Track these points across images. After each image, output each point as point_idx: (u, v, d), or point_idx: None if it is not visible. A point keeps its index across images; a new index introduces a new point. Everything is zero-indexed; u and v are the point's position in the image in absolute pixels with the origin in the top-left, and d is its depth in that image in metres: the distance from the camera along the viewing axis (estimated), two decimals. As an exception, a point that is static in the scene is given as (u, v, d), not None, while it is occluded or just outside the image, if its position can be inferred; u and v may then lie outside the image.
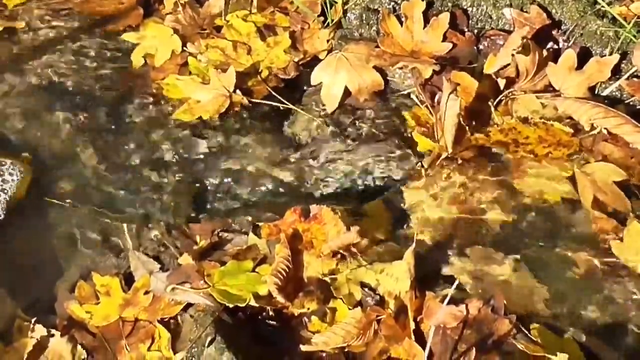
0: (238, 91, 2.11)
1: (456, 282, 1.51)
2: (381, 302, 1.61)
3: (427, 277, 1.65)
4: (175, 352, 1.62)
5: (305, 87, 2.19)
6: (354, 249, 1.68)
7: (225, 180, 1.99)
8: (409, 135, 1.99)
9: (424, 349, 1.48)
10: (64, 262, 1.84)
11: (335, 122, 2.07)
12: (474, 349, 1.44)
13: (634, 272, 1.65)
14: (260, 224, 1.77)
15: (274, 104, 2.12)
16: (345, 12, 2.24)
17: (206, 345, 1.53)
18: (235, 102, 2.12)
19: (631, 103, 1.99)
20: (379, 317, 1.55)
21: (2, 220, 1.88)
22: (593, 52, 2.03)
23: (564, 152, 1.88)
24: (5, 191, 1.87)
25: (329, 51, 2.22)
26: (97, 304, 1.73)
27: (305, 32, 2.28)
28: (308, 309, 1.61)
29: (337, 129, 2.05)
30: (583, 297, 1.63)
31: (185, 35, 2.31)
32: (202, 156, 2.04)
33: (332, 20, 2.25)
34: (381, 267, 1.65)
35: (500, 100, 2.00)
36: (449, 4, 2.18)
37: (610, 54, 2.00)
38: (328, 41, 2.24)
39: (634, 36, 1.97)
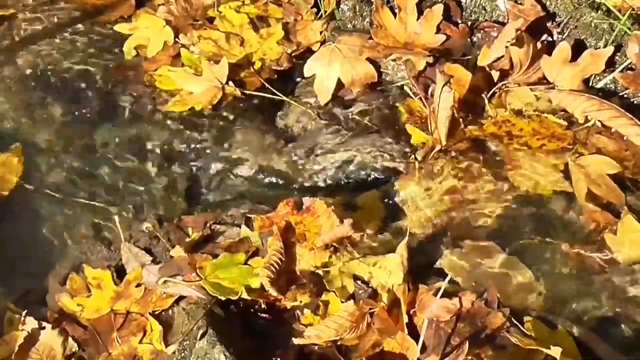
0: (231, 83, 2.10)
1: (449, 276, 1.51)
2: (374, 295, 1.60)
3: (421, 270, 1.65)
4: (167, 345, 1.62)
5: (298, 79, 2.19)
6: (347, 242, 1.67)
7: (218, 172, 1.98)
8: (403, 127, 1.98)
9: (417, 342, 1.48)
10: (55, 254, 1.83)
11: (328, 114, 2.07)
12: (467, 342, 1.44)
13: (627, 265, 1.65)
14: (252, 216, 1.76)
15: (267, 95, 2.11)
16: (338, 3, 2.23)
17: (198, 338, 1.53)
18: (227, 94, 2.11)
19: (625, 96, 1.99)
20: (371, 310, 1.55)
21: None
22: (587, 44, 2.03)
23: (557, 144, 1.87)
24: None
25: (322, 43, 2.21)
26: (89, 296, 1.72)
27: (299, 24, 2.27)
28: (300, 302, 1.60)
29: (330, 121, 2.05)
30: (576, 290, 1.63)
31: (178, 26, 2.29)
32: (194, 148, 2.03)
33: (325, 12, 2.25)
34: (374, 260, 1.65)
35: (494, 93, 1.99)
36: (443, -5, 2.17)
37: (605, 46, 1.99)
38: (321, 33, 2.23)
39: (629, 28, 1.96)
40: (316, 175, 1.94)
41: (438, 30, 2.13)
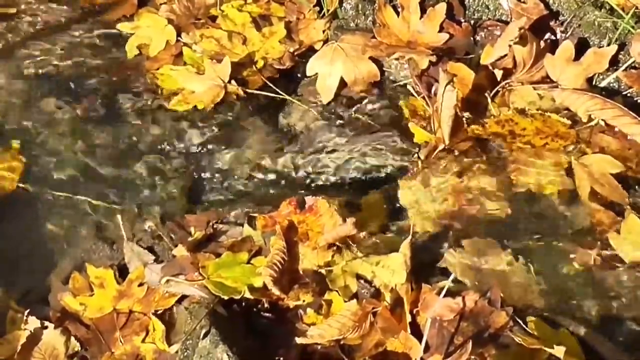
0: (233, 81, 2.10)
1: (453, 275, 1.50)
2: (377, 295, 1.60)
3: (424, 269, 1.64)
4: (169, 345, 1.61)
5: (300, 78, 2.18)
6: (349, 241, 1.67)
7: (220, 171, 1.98)
8: (406, 126, 1.98)
9: (420, 341, 1.47)
10: (58, 253, 1.83)
11: (331, 113, 2.06)
12: (471, 341, 1.43)
13: (631, 264, 1.65)
14: (255, 215, 1.76)
15: (270, 94, 2.11)
16: (341, 2, 2.23)
17: (201, 337, 1.52)
18: (230, 93, 2.11)
19: (629, 94, 1.98)
20: (374, 310, 1.55)
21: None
22: (591, 43, 2.02)
23: (561, 143, 1.87)
24: None
25: (325, 42, 2.21)
26: (91, 295, 1.72)
27: (301, 23, 2.27)
28: (303, 301, 1.60)
29: (332, 120, 2.04)
30: (580, 289, 1.62)
31: (180, 25, 2.29)
32: (196, 147, 2.03)
33: (328, 11, 2.24)
34: (377, 259, 1.64)
35: (497, 92, 1.99)
36: (446, -6, 2.17)
37: (608, 44, 1.99)
38: (324, 31, 2.23)
39: (632, 27, 1.96)
40: (319, 174, 1.94)
41: (441, 29, 2.12)
